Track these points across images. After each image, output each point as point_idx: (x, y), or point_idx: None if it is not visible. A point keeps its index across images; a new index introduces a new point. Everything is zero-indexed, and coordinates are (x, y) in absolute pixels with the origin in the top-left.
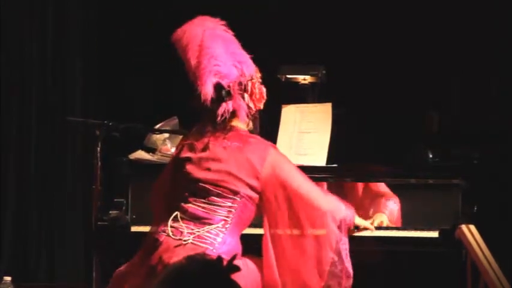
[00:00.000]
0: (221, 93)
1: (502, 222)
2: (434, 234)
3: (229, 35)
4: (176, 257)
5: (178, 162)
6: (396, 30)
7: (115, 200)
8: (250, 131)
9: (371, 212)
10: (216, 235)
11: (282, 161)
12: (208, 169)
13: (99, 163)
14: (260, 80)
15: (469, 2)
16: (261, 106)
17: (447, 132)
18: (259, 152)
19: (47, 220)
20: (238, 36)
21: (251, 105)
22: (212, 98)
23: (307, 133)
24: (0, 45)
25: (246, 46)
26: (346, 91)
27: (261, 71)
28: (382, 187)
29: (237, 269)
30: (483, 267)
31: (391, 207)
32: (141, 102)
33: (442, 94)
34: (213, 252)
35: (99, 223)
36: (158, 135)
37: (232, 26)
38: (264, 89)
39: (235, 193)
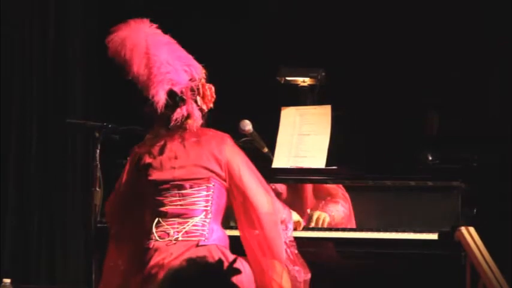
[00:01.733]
0: (175, 99)
1: (502, 225)
2: (434, 236)
3: (169, 38)
4: (170, 256)
5: (137, 173)
6: (395, 32)
7: None
8: None
9: (309, 210)
10: (202, 226)
11: (237, 153)
12: (173, 168)
13: (99, 165)
14: (205, 77)
15: (468, 5)
16: (211, 105)
17: (447, 134)
18: (217, 141)
19: (47, 222)
20: (239, 37)
21: (204, 107)
22: (166, 104)
23: (306, 135)
24: (1, 46)
25: (246, 48)
26: (345, 93)
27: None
28: (334, 190)
29: (238, 271)
30: (482, 269)
31: (333, 209)
32: (141, 105)
33: (442, 96)
34: (205, 242)
35: (98, 225)
36: None
37: (232, 28)
38: (213, 88)
39: (207, 180)
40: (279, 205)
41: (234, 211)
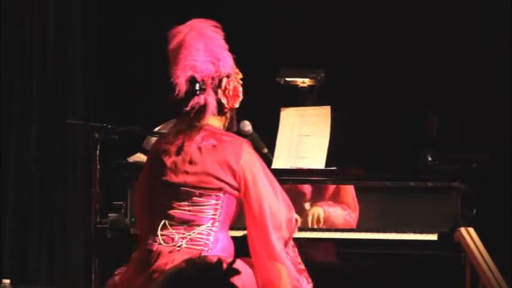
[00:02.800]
0: (194, 86)
1: (501, 225)
2: (434, 237)
3: (215, 34)
4: (172, 263)
5: (154, 169)
6: (395, 33)
7: (114, 202)
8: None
9: (307, 206)
10: (207, 235)
11: (254, 161)
12: (186, 172)
13: (98, 166)
14: (240, 82)
15: (468, 5)
16: (236, 105)
17: (447, 134)
18: (233, 150)
19: (47, 222)
20: (238, 38)
21: (224, 101)
22: (186, 92)
23: (306, 136)
24: (1, 46)
25: (245, 48)
26: (345, 94)
27: (243, 72)
28: (349, 198)
29: (237, 272)
30: (482, 270)
31: (335, 211)
32: (140, 105)
33: (442, 96)
34: (208, 252)
35: (98, 226)
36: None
37: (231, 28)
38: (241, 89)
39: (218, 190)
40: (291, 216)
41: (246, 216)
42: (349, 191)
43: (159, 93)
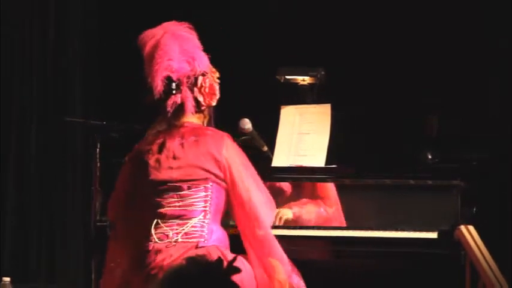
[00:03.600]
0: (170, 86)
1: (501, 223)
2: (434, 235)
3: (189, 35)
4: (170, 258)
5: (136, 171)
6: (395, 31)
7: None
8: None
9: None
10: (201, 227)
11: (237, 153)
12: (170, 168)
13: (98, 164)
14: (217, 80)
15: (468, 5)
16: (213, 102)
17: (447, 134)
18: (215, 143)
19: (47, 222)
20: (238, 36)
21: (200, 99)
22: (163, 92)
23: (306, 134)
24: (1, 46)
25: (246, 47)
26: (345, 92)
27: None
28: (325, 192)
29: (237, 270)
30: (482, 268)
31: (308, 210)
32: (140, 103)
33: (442, 96)
34: (205, 243)
35: (98, 224)
36: None
37: (232, 27)
38: (217, 87)
39: (205, 180)
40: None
41: (234, 211)
42: (325, 186)
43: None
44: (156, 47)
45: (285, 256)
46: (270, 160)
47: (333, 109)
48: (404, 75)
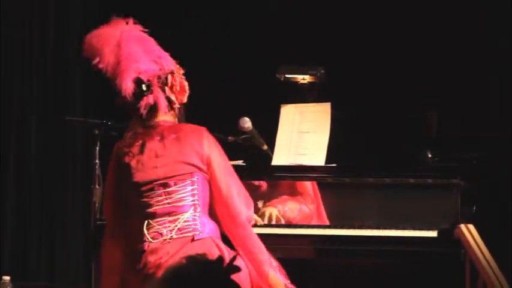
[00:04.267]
0: (141, 87)
1: (501, 222)
2: (433, 234)
3: (145, 34)
4: (167, 255)
5: (121, 174)
6: (395, 30)
7: None
8: None
9: (260, 204)
10: (193, 220)
11: (214, 147)
12: (155, 167)
13: (98, 163)
14: (183, 76)
15: (468, 3)
16: (184, 99)
17: (447, 134)
18: (195, 135)
19: (47, 222)
20: (238, 36)
21: (172, 97)
22: (134, 94)
23: (306, 133)
24: (1, 46)
25: (246, 46)
26: (345, 91)
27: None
28: (304, 189)
29: (237, 269)
30: (482, 266)
31: (290, 207)
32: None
33: (442, 96)
34: (200, 236)
35: (98, 222)
36: None
37: (232, 27)
38: (186, 83)
39: (191, 174)
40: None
41: (214, 205)
42: (304, 184)
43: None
44: (117, 48)
45: (263, 247)
46: (270, 159)
47: (333, 108)
48: (404, 74)
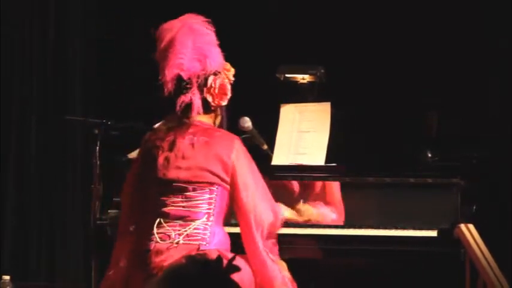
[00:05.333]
0: (181, 85)
1: (501, 222)
2: (433, 233)
3: (206, 30)
4: (170, 259)
5: (146, 165)
6: (395, 31)
7: (114, 199)
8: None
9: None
10: (204, 230)
11: (245, 158)
12: (179, 167)
13: (99, 162)
14: (231, 78)
15: (468, 3)
16: (223, 102)
17: (447, 134)
18: (225, 145)
19: (47, 220)
20: (238, 36)
21: (209, 99)
22: (174, 90)
23: (306, 132)
24: (1, 46)
25: (245, 46)
26: (345, 90)
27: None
28: (332, 192)
29: (237, 269)
30: (482, 266)
31: (326, 213)
32: (141, 101)
33: (442, 96)
34: (206, 246)
35: (98, 222)
36: None
37: (232, 26)
38: (229, 86)
39: (211, 184)
40: (275, 220)
41: (236, 212)
42: (331, 186)
43: (159, 90)
44: (170, 42)
45: (277, 271)
46: (270, 158)
47: (332, 108)
48: (405, 74)
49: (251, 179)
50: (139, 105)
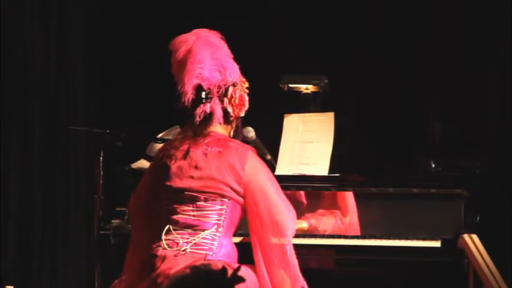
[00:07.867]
0: (200, 95)
1: (505, 232)
2: (437, 243)
3: (221, 42)
4: (176, 266)
5: (158, 173)
6: (398, 39)
7: (117, 209)
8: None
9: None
10: (212, 240)
11: (260, 168)
12: (191, 177)
13: (102, 172)
14: (246, 91)
15: (468, 7)
16: (241, 113)
17: (450, 141)
18: (239, 156)
19: (50, 229)
20: (241, 45)
21: (229, 109)
22: (193, 100)
23: (309, 142)
24: (3, 52)
25: (248, 56)
26: (348, 100)
27: (249, 81)
28: (344, 201)
29: (241, 279)
30: (485, 277)
31: (324, 221)
32: (144, 111)
33: (445, 104)
34: (213, 257)
35: (101, 232)
36: (160, 144)
37: (235, 36)
38: (247, 97)
39: (223, 196)
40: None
41: (251, 223)
42: (344, 195)
43: (162, 102)
44: (188, 53)
45: (299, 276)
46: (274, 168)
47: (336, 118)
48: (409, 84)
49: (270, 188)
50: (143, 115)
